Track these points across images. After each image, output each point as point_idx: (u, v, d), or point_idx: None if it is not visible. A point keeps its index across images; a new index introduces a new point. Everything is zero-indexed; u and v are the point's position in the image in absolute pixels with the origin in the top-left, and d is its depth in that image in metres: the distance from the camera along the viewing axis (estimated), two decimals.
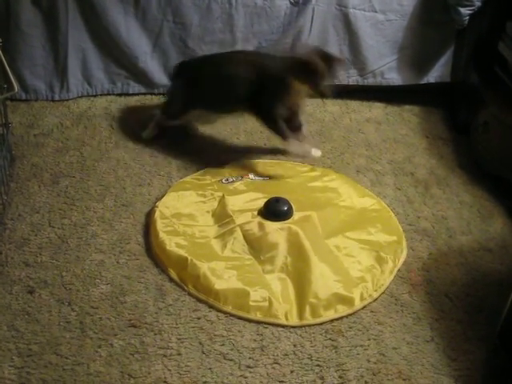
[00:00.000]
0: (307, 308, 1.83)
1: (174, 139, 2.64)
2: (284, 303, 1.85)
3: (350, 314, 1.86)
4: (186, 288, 1.90)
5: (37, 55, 2.81)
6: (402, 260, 2.07)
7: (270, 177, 2.40)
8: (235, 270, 1.93)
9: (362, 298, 1.89)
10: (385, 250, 2.06)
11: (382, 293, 1.94)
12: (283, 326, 1.80)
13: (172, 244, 2.00)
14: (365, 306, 1.89)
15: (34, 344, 1.70)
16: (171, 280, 1.94)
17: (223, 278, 1.90)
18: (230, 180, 2.34)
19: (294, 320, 1.82)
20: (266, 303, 1.83)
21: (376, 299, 1.92)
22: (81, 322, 1.78)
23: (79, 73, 2.87)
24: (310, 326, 1.81)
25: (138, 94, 2.93)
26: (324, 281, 1.90)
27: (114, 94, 2.92)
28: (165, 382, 1.63)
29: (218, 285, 1.87)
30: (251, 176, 2.39)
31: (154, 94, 2.94)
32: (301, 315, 1.82)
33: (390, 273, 2.00)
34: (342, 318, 1.84)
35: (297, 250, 1.98)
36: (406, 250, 2.11)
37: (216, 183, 2.33)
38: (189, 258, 1.93)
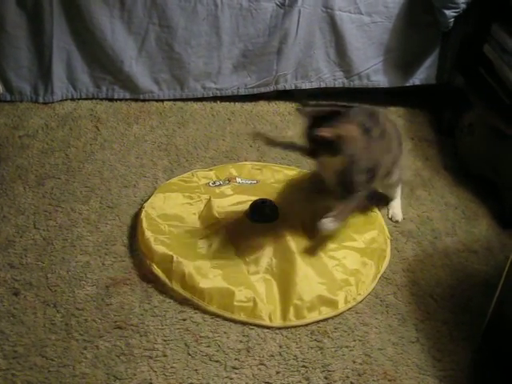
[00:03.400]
0: (291, 309, 1.83)
1: (159, 141, 2.64)
2: (268, 304, 1.85)
3: (335, 316, 1.86)
4: (170, 285, 1.90)
5: (22, 57, 2.80)
6: (385, 264, 2.07)
7: (258, 181, 2.40)
8: (220, 270, 1.93)
9: (345, 301, 1.90)
10: (369, 254, 2.07)
11: (366, 296, 1.95)
12: (267, 327, 1.81)
13: (158, 242, 2.00)
14: (349, 308, 1.89)
15: (20, 346, 1.69)
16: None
17: (208, 277, 1.90)
18: (218, 183, 2.34)
19: (277, 321, 1.82)
20: (251, 303, 1.83)
21: (360, 302, 1.92)
22: (66, 324, 1.77)
23: (64, 76, 2.86)
24: (294, 327, 1.82)
25: (122, 100, 2.93)
26: (308, 283, 1.90)
27: (99, 98, 2.92)
28: (150, 383, 1.62)
29: (203, 283, 1.87)
30: (238, 180, 2.37)
31: (140, 99, 2.94)
32: (284, 316, 1.82)
33: (373, 277, 2.01)
34: (327, 319, 1.85)
35: (282, 252, 1.98)
36: (389, 254, 2.12)
37: (203, 186, 2.32)
38: (174, 256, 1.93)
